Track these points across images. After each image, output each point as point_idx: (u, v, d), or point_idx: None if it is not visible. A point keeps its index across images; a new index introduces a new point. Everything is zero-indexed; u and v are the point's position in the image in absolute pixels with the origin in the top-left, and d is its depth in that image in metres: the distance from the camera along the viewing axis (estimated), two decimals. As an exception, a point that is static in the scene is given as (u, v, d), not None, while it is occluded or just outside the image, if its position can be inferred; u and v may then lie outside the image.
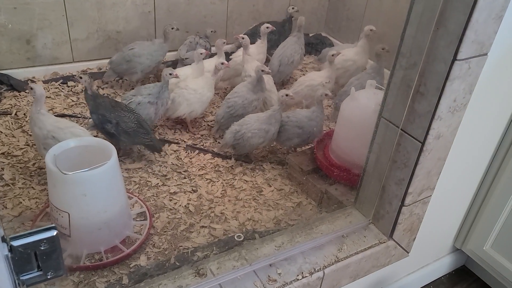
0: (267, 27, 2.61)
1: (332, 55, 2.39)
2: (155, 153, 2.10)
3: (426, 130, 1.26)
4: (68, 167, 1.43)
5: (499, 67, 1.27)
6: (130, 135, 1.97)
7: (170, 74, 2.14)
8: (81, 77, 1.98)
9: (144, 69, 2.52)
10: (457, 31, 1.10)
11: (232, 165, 2.14)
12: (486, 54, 1.18)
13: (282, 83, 2.87)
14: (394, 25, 2.86)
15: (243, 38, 2.42)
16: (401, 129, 1.33)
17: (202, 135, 2.35)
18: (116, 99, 2.19)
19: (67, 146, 1.52)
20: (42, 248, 0.84)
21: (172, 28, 2.55)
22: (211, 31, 2.68)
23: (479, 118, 1.39)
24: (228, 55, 2.69)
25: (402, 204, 1.41)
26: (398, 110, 1.32)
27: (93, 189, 1.44)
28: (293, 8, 2.90)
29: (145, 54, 2.50)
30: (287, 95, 2.05)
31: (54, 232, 0.86)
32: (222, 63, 2.28)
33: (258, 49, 2.64)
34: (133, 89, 2.29)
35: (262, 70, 2.18)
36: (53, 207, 1.47)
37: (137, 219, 1.75)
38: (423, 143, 1.28)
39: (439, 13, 1.12)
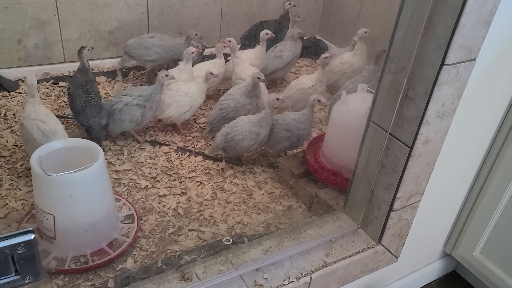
0: (266, 33, 2.58)
1: (325, 58, 2.39)
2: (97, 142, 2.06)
3: (414, 135, 1.25)
4: (55, 169, 1.41)
5: (487, 72, 1.27)
6: (76, 112, 2.06)
7: (166, 75, 2.13)
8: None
9: (158, 60, 2.55)
10: (445, 36, 1.09)
11: (223, 168, 2.13)
12: (474, 59, 1.17)
13: (274, 85, 2.86)
14: (388, 29, 2.85)
15: (229, 41, 2.40)
16: (389, 133, 1.33)
17: (193, 137, 2.33)
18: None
19: (54, 147, 1.50)
20: (19, 252, 0.82)
21: (196, 35, 2.59)
22: (195, 34, 2.69)
23: (468, 123, 1.38)
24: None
25: (391, 209, 1.40)
26: (386, 114, 1.32)
27: (79, 191, 1.42)
28: (290, 4, 2.89)
29: (163, 46, 2.53)
30: (277, 99, 2.04)
31: (32, 236, 0.85)
32: (211, 73, 2.26)
33: (256, 54, 2.63)
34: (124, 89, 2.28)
35: (258, 78, 2.18)
36: (38, 209, 1.46)
37: (125, 222, 1.73)
38: (411, 148, 1.27)
39: (428, 18, 1.12)
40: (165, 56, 2.57)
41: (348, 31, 3.26)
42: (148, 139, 2.25)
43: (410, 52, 1.19)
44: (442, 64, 1.13)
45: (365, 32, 2.54)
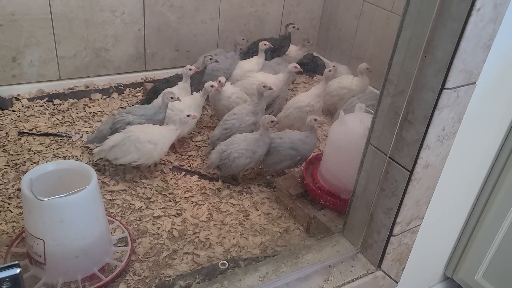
0: (265, 44, 2.60)
1: (329, 71, 2.38)
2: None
3: (414, 159, 1.23)
4: (46, 192, 1.38)
5: (488, 96, 1.25)
6: None
7: (172, 97, 2.10)
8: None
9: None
10: (445, 59, 1.07)
11: (219, 188, 2.09)
12: (474, 83, 1.16)
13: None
14: (385, 46, 2.86)
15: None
16: (389, 157, 1.30)
17: (189, 156, 2.30)
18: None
19: (45, 170, 1.47)
20: (4, 287, 0.79)
21: (243, 39, 2.64)
22: (242, 39, 2.74)
23: (469, 146, 1.36)
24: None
25: (391, 234, 1.37)
26: (386, 137, 1.29)
27: (70, 215, 1.38)
28: (293, 27, 2.90)
29: (222, 68, 2.55)
30: (272, 121, 2.02)
31: (17, 270, 0.81)
32: (212, 86, 2.24)
33: (252, 65, 2.62)
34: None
35: (264, 86, 2.17)
36: (28, 233, 1.41)
37: (118, 245, 1.69)
38: (411, 172, 1.25)
39: (427, 41, 1.10)
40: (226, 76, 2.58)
41: (345, 48, 3.26)
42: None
43: (409, 75, 1.17)
44: (442, 88, 1.10)
45: (367, 69, 2.54)
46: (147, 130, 2.01)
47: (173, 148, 2.30)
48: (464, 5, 1.00)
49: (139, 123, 2.07)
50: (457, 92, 1.13)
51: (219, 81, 2.30)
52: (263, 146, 2.03)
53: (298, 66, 2.48)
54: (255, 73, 2.59)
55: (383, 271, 1.46)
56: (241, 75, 2.63)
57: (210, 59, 2.42)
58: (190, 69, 2.29)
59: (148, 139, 1.98)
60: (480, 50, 1.08)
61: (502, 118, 1.38)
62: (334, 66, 2.49)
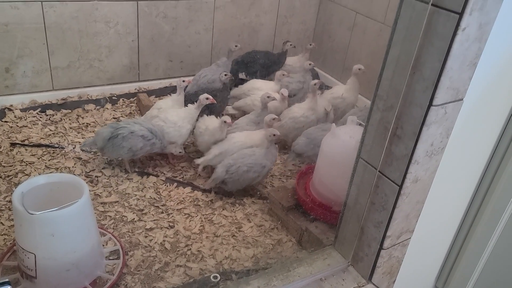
0: (268, 96, 2.31)
1: (314, 84, 2.39)
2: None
3: (403, 174, 1.24)
4: (38, 205, 1.37)
5: (475, 111, 1.27)
6: None
7: (207, 98, 2.17)
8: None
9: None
10: (433, 77, 1.09)
11: (212, 199, 2.10)
12: (462, 99, 1.17)
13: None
14: (377, 57, 2.89)
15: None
16: (379, 171, 1.31)
17: (182, 167, 2.30)
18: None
19: (37, 183, 1.47)
20: (-7, 306, 0.79)
21: (236, 46, 2.70)
22: (289, 44, 2.83)
23: (458, 161, 1.37)
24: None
25: (381, 247, 1.38)
26: (376, 151, 1.30)
27: (61, 229, 1.38)
28: (290, 45, 2.94)
29: (217, 78, 2.57)
30: (274, 135, 2.03)
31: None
32: (207, 98, 2.25)
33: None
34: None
35: (268, 97, 2.20)
36: (19, 247, 1.41)
37: (110, 258, 1.68)
38: (400, 187, 1.26)
39: (415, 58, 1.12)
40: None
41: (338, 59, 3.30)
42: (136, 169, 2.21)
43: (398, 91, 1.18)
44: (430, 104, 1.12)
45: (359, 69, 2.56)
46: (170, 118, 2.19)
47: (166, 158, 2.31)
48: (449, 24, 1.02)
49: (141, 135, 2.06)
50: (445, 109, 1.15)
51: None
52: (272, 158, 2.06)
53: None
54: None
55: (373, 284, 1.46)
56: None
57: (226, 75, 2.48)
58: (183, 81, 2.30)
59: (174, 121, 2.18)
60: (466, 68, 1.10)
61: (490, 132, 1.40)
62: (319, 80, 2.50)
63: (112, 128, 2.07)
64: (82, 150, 2.25)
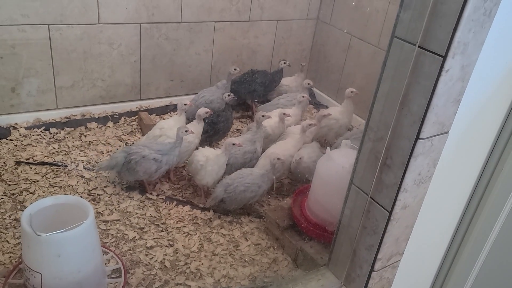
0: (263, 115, 2.41)
1: (303, 97, 2.60)
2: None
3: (393, 201, 1.31)
4: (44, 226, 1.44)
5: (461, 143, 1.35)
6: None
7: (186, 131, 2.17)
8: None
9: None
10: (420, 112, 1.17)
11: (210, 218, 2.16)
12: (447, 132, 1.25)
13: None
14: (370, 79, 2.99)
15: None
16: (370, 197, 1.39)
17: (182, 185, 2.37)
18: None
19: (44, 205, 1.53)
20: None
21: (235, 69, 2.80)
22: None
23: (444, 188, 1.45)
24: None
25: (372, 269, 1.45)
26: (367, 179, 1.38)
27: (67, 250, 1.44)
28: (284, 63, 3.04)
29: (215, 99, 2.67)
30: (278, 158, 2.11)
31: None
32: (206, 112, 2.35)
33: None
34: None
35: (263, 116, 2.27)
36: (26, 266, 1.47)
37: (112, 276, 1.74)
38: (390, 213, 1.33)
39: (403, 95, 1.20)
40: (220, 106, 2.74)
41: (333, 79, 3.39)
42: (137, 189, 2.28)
43: (387, 124, 1.26)
44: (418, 138, 1.20)
45: (352, 92, 2.66)
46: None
47: (166, 177, 2.38)
48: (434, 66, 1.11)
49: (153, 159, 2.13)
50: (431, 141, 1.23)
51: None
52: (268, 181, 2.14)
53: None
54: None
55: (365, 304, 1.53)
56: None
57: (229, 95, 2.59)
58: (185, 104, 2.38)
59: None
60: (450, 104, 1.19)
61: (474, 162, 1.48)
62: (307, 97, 2.67)
63: (125, 153, 2.15)
64: (98, 171, 2.29)
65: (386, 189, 1.32)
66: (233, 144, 2.18)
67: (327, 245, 1.88)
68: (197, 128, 2.34)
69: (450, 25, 1.05)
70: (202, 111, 2.35)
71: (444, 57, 1.09)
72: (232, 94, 2.60)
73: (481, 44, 1.12)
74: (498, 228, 1.55)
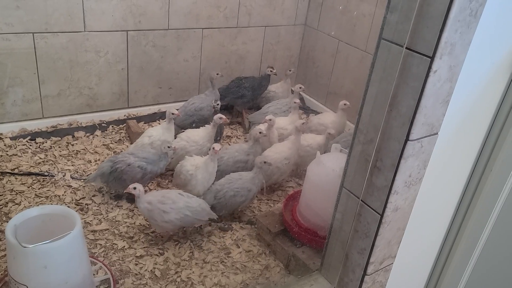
0: (260, 132, 2.39)
1: (295, 103, 2.64)
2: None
3: (384, 203, 1.31)
4: (30, 237, 1.40)
5: (450, 144, 1.35)
6: None
7: (169, 147, 2.16)
8: None
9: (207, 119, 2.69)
10: (408, 114, 1.17)
11: (201, 225, 2.14)
12: (436, 133, 1.25)
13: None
14: (359, 83, 3.00)
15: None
16: (361, 200, 1.38)
17: (171, 193, 2.34)
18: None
19: (29, 215, 1.49)
20: None
21: (217, 74, 2.78)
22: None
23: (435, 189, 1.45)
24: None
25: (365, 273, 1.43)
26: (358, 182, 1.37)
27: (54, 261, 1.41)
28: (271, 71, 3.04)
29: (205, 106, 2.67)
30: (265, 162, 2.10)
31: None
32: (221, 118, 2.39)
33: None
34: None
35: (260, 132, 2.28)
36: (11, 279, 1.43)
37: (101, 287, 1.71)
38: (382, 215, 1.32)
39: (392, 97, 1.20)
40: (209, 113, 2.74)
41: (322, 84, 3.40)
42: (125, 197, 2.24)
43: (377, 126, 1.26)
44: (407, 139, 1.20)
45: (344, 105, 2.68)
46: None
47: (155, 183, 2.35)
48: (422, 67, 1.11)
49: (138, 166, 2.11)
50: (421, 143, 1.23)
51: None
52: (258, 184, 2.11)
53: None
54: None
55: (359, 309, 1.51)
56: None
57: (218, 104, 2.65)
58: (173, 113, 2.37)
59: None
60: (439, 105, 1.19)
61: (464, 162, 1.49)
62: (297, 103, 2.71)
63: (111, 162, 2.13)
64: (89, 183, 2.26)
65: (377, 191, 1.32)
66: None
67: (319, 250, 1.87)
68: (210, 132, 2.37)
69: (437, 26, 1.05)
70: (217, 117, 2.38)
71: (432, 58, 1.09)
72: (220, 102, 2.61)
73: (468, 45, 1.12)
74: (489, 227, 1.55)
